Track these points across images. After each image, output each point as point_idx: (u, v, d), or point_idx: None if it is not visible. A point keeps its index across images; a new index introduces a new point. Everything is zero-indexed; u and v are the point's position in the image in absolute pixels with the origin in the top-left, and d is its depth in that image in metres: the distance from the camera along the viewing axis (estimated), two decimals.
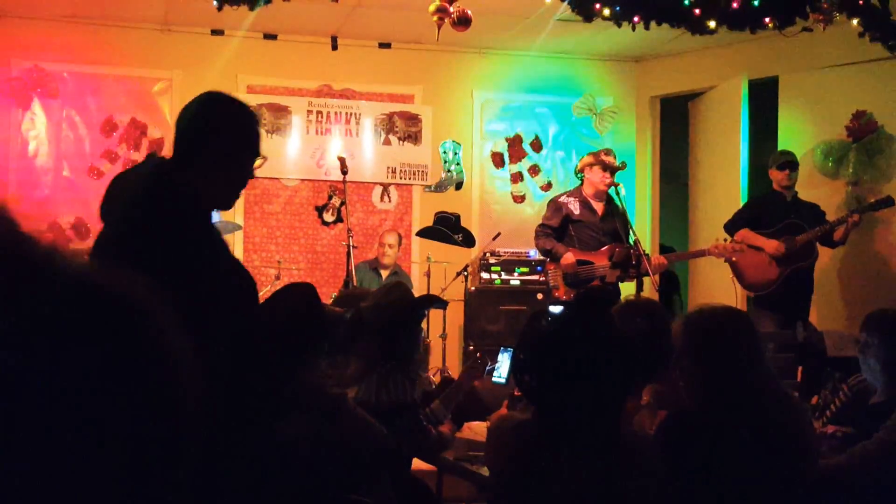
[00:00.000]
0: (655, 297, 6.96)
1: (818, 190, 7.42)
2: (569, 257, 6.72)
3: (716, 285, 7.56)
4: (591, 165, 6.84)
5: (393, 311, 3.73)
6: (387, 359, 3.65)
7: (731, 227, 7.08)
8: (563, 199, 6.99)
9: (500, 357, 5.07)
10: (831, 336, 5.58)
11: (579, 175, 7.01)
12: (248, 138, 2.52)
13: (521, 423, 2.49)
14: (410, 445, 3.71)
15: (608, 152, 6.95)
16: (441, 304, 4.42)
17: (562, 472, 2.29)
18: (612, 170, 6.73)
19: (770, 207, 7.01)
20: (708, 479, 2.68)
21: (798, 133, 7.96)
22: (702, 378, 2.79)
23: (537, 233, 7.01)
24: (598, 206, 6.87)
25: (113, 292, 0.71)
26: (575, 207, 6.88)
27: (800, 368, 5.89)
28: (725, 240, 6.89)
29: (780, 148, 7.70)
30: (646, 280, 6.32)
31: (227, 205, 2.59)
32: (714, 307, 2.98)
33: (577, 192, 6.96)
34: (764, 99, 8.26)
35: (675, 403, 3.01)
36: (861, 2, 6.04)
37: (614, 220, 6.81)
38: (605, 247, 6.74)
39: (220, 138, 2.45)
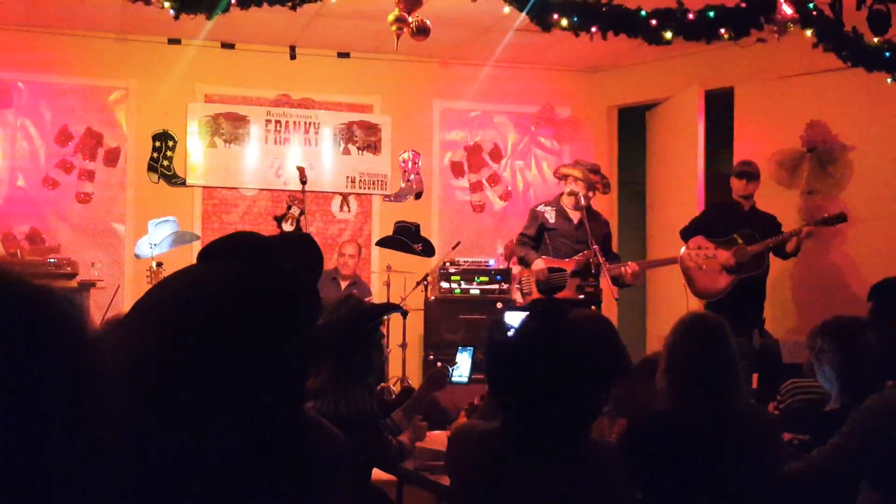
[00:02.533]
0: (615, 305, 7.00)
1: (772, 199, 7.49)
2: (539, 264, 6.85)
3: (672, 292, 7.61)
4: (576, 179, 6.91)
5: (345, 325, 3.70)
6: (344, 370, 3.63)
7: (686, 233, 7.13)
8: (540, 208, 7.17)
9: (458, 357, 5.04)
10: (786, 344, 5.65)
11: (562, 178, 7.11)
12: None
13: (487, 431, 2.47)
14: (371, 456, 3.68)
15: (595, 170, 7.04)
16: (398, 309, 4.39)
17: (528, 481, 2.28)
18: (595, 188, 6.90)
19: (726, 215, 7.05)
20: (675, 486, 2.70)
21: (753, 142, 8.03)
22: (691, 383, 2.84)
23: (516, 242, 7.20)
24: (575, 215, 6.96)
25: (50, 315, 0.69)
26: (550, 216, 7.01)
27: (755, 375, 5.96)
28: (699, 248, 6.94)
29: (735, 158, 7.77)
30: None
31: None
32: (704, 314, 3.05)
33: (555, 202, 7.11)
34: (720, 109, 8.34)
35: (634, 410, 3.03)
36: (815, 13, 6.12)
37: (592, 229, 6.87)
38: (579, 254, 6.84)
39: None
